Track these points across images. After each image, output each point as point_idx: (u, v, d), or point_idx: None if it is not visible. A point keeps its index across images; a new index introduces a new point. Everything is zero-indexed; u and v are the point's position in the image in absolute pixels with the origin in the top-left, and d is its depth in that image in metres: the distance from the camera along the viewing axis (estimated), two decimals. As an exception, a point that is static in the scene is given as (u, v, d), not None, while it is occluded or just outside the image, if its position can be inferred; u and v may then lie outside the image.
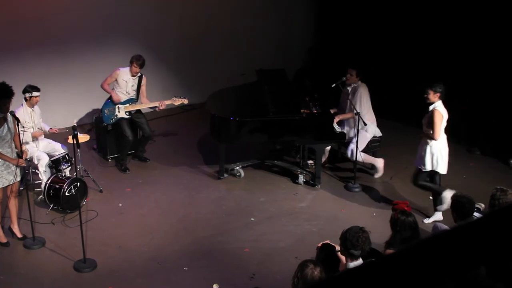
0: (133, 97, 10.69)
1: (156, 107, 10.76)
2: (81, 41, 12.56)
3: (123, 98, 10.59)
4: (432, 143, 8.67)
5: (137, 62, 10.40)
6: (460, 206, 6.80)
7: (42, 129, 9.65)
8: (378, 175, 10.58)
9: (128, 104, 10.63)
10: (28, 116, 9.31)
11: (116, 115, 10.61)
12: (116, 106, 10.57)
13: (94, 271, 7.75)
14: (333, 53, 14.90)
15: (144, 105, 10.77)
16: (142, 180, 10.45)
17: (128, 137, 10.69)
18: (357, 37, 14.43)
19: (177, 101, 10.86)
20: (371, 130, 10.27)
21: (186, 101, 10.93)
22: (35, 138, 9.53)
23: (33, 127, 9.41)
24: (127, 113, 10.68)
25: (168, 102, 10.77)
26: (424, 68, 12.99)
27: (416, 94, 12.83)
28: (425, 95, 8.72)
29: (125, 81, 10.53)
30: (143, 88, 10.78)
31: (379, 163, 10.57)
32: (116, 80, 10.57)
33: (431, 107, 8.75)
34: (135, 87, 10.63)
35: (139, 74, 10.59)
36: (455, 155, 11.25)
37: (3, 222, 8.53)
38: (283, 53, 15.44)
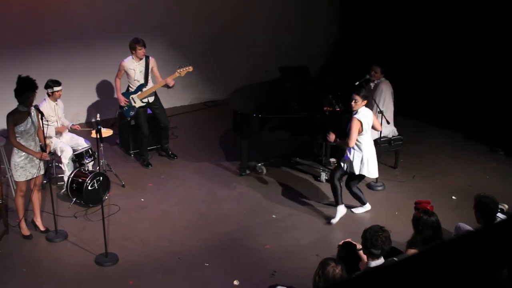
0: (142, 83, 10.61)
1: (167, 85, 10.72)
2: (104, 36, 12.62)
3: (135, 86, 10.59)
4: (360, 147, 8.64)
5: (138, 44, 10.34)
6: (483, 206, 6.75)
7: (64, 124, 9.70)
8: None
9: (140, 92, 10.62)
10: (52, 110, 9.37)
11: (134, 106, 10.62)
12: (131, 98, 10.57)
13: (116, 265, 7.79)
14: (357, 50, 14.83)
15: (153, 88, 10.68)
16: (165, 175, 10.48)
17: (143, 131, 10.71)
18: (380, 34, 14.35)
19: (183, 71, 10.68)
20: (385, 129, 10.15)
21: (191, 68, 10.70)
22: (58, 133, 9.58)
23: (57, 121, 9.47)
24: (144, 101, 10.69)
25: (174, 76, 10.63)
26: (447, 65, 12.91)
27: (440, 92, 12.85)
28: (353, 103, 8.47)
29: (133, 70, 10.49)
30: (155, 69, 10.67)
31: None
32: (125, 72, 10.57)
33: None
34: (143, 71, 10.58)
35: (144, 57, 10.55)
36: (479, 155, 11.21)
37: (26, 215, 8.58)
38: (306, 50, 15.39)
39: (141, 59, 10.47)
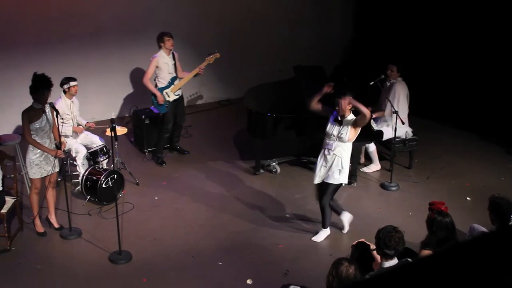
0: (174, 75, 10.69)
1: (197, 74, 10.80)
2: (119, 34, 12.65)
3: (167, 81, 10.61)
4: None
5: (167, 35, 10.47)
6: (498, 207, 6.71)
7: (79, 122, 9.73)
8: (367, 170, 10.59)
9: (173, 85, 10.65)
10: (68, 107, 9.39)
11: (168, 100, 10.65)
12: (164, 92, 10.60)
13: (129, 263, 7.81)
14: (372, 49, 14.80)
15: (186, 78, 10.77)
16: (179, 174, 10.50)
17: (168, 127, 10.76)
18: (396, 34, 14.30)
19: (211, 59, 10.82)
20: (399, 130, 10.09)
21: (218, 55, 10.86)
22: (74, 132, 9.61)
23: (72, 119, 9.49)
24: (177, 94, 10.74)
25: (204, 64, 10.78)
26: (464, 65, 12.86)
27: (455, 92, 12.80)
28: (338, 107, 7.99)
29: (166, 63, 10.56)
30: (178, 64, 10.77)
31: (376, 167, 10.63)
32: (157, 66, 10.58)
33: (349, 121, 8.05)
34: (174, 64, 10.68)
35: (171, 52, 10.62)
36: (494, 157, 11.17)
37: (40, 212, 8.63)
38: (321, 49, 15.36)
39: (170, 50, 10.55)
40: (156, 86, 10.62)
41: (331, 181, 8.06)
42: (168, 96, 10.62)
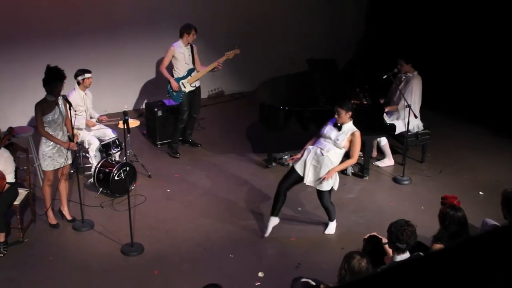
0: (192, 67, 10.72)
1: (215, 68, 10.83)
2: (133, 26, 12.66)
3: (184, 71, 10.65)
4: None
5: (190, 30, 10.52)
6: (510, 202, 6.68)
7: (92, 115, 9.75)
8: (380, 164, 10.55)
9: (190, 77, 10.68)
10: (81, 99, 9.42)
11: (184, 91, 10.67)
12: (180, 83, 10.62)
13: (141, 255, 7.84)
14: (385, 43, 14.75)
15: (204, 72, 10.80)
16: (191, 166, 10.51)
17: (183, 118, 10.79)
18: (409, 27, 14.24)
19: (231, 54, 10.88)
20: (411, 124, 10.05)
21: (238, 51, 10.93)
22: (87, 127, 9.63)
23: (85, 111, 9.51)
24: (193, 85, 10.75)
25: (223, 59, 10.83)
26: (477, 59, 12.79)
27: (468, 86, 12.74)
28: (337, 116, 8.00)
29: (182, 53, 10.58)
30: (197, 56, 10.81)
31: (389, 161, 10.57)
32: (173, 56, 10.62)
33: (348, 129, 8.07)
34: (191, 56, 10.70)
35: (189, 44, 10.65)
36: (506, 151, 11.12)
37: (53, 204, 8.66)
38: (334, 43, 15.33)
39: (189, 43, 10.59)
40: (172, 76, 10.65)
41: (325, 189, 8.08)
42: (184, 87, 10.65)
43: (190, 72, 10.65)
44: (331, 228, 8.48)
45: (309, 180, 8.10)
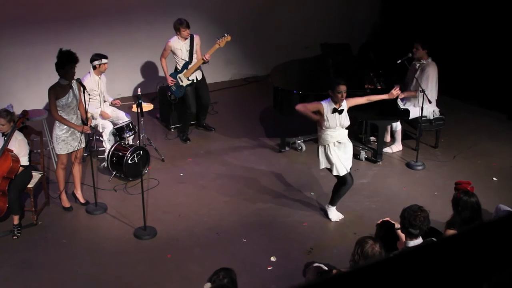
0: (187, 61, 10.65)
1: (205, 62, 10.69)
2: (146, 10, 12.65)
3: (181, 65, 10.62)
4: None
5: (182, 26, 10.37)
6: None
7: (106, 99, 9.76)
8: (389, 150, 10.47)
9: (185, 70, 10.65)
10: (95, 84, 9.43)
11: (182, 85, 10.67)
12: (178, 77, 10.62)
13: (154, 239, 7.87)
14: (399, 27, 14.63)
15: (195, 66, 10.66)
16: (204, 151, 10.52)
17: (191, 111, 10.78)
18: (424, 11, 14.11)
19: (222, 42, 10.61)
20: (426, 109, 9.99)
21: (229, 38, 10.62)
22: (100, 116, 9.64)
23: (99, 95, 9.54)
24: (191, 79, 10.72)
25: (213, 49, 10.60)
26: (492, 44, 12.68)
27: (484, 71, 12.63)
28: (342, 94, 7.82)
29: (180, 49, 10.54)
30: (198, 48, 10.69)
31: (398, 147, 10.51)
32: (171, 51, 10.61)
33: (344, 106, 7.99)
34: (189, 50, 10.63)
35: (189, 36, 10.59)
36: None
37: (67, 187, 8.71)
38: (348, 27, 15.24)
39: (186, 39, 10.49)
40: (176, 68, 10.65)
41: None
42: (182, 81, 10.64)
43: (185, 66, 10.61)
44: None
45: (347, 167, 8.12)
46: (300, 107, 8.08)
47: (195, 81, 10.76)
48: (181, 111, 11.02)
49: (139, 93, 7.98)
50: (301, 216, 8.49)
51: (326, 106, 7.86)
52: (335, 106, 7.84)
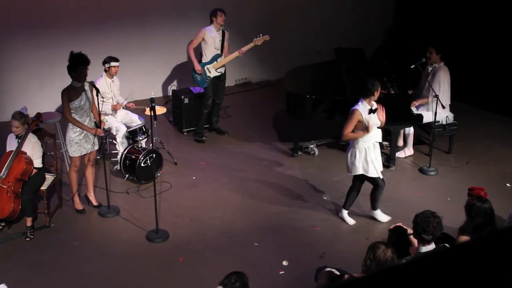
0: (219, 53, 10.74)
1: (238, 56, 10.84)
2: (160, 14, 12.67)
3: (210, 56, 10.68)
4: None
5: (219, 11, 10.53)
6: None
7: (119, 102, 9.79)
8: (400, 155, 10.41)
9: (215, 62, 10.69)
10: (108, 87, 9.46)
11: (209, 76, 10.70)
12: (206, 68, 10.66)
13: (166, 242, 7.88)
14: (413, 32, 14.60)
15: (229, 58, 10.79)
16: (217, 154, 10.52)
17: (208, 103, 10.84)
18: (437, 16, 14.09)
19: (260, 41, 10.78)
20: (439, 115, 9.95)
21: (267, 37, 10.83)
22: (113, 111, 9.68)
23: (112, 98, 9.57)
24: (219, 71, 10.78)
25: (250, 45, 10.77)
26: (506, 50, 12.63)
27: (498, 77, 12.59)
28: (375, 96, 7.88)
29: (213, 38, 10.61)
30: (226, 44, 10.81)
31: (409, 152, 10.46)
32: (203, 39, 10.64)
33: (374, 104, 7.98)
34: (221, 41, 10.71)
35: (221, 29, 10.66)
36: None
37: (79, 190, 8.73)
38: (361, 32, 15.22)
39: (221, 26, 10.60)
40: (200, 61, 10.67)
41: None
42: (209, 72, 10.67)
43: (216, 57, 10.66)
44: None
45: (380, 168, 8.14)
46: (348, 136, 8.03)
47: (222, 74, 10.81)
48: (195, 113, 11.03)
49: (152, 96, 7.98)
50: (313, 220, 8.48)
51: (362, 110, 7.88)
52: (369, 107, 7.85)
